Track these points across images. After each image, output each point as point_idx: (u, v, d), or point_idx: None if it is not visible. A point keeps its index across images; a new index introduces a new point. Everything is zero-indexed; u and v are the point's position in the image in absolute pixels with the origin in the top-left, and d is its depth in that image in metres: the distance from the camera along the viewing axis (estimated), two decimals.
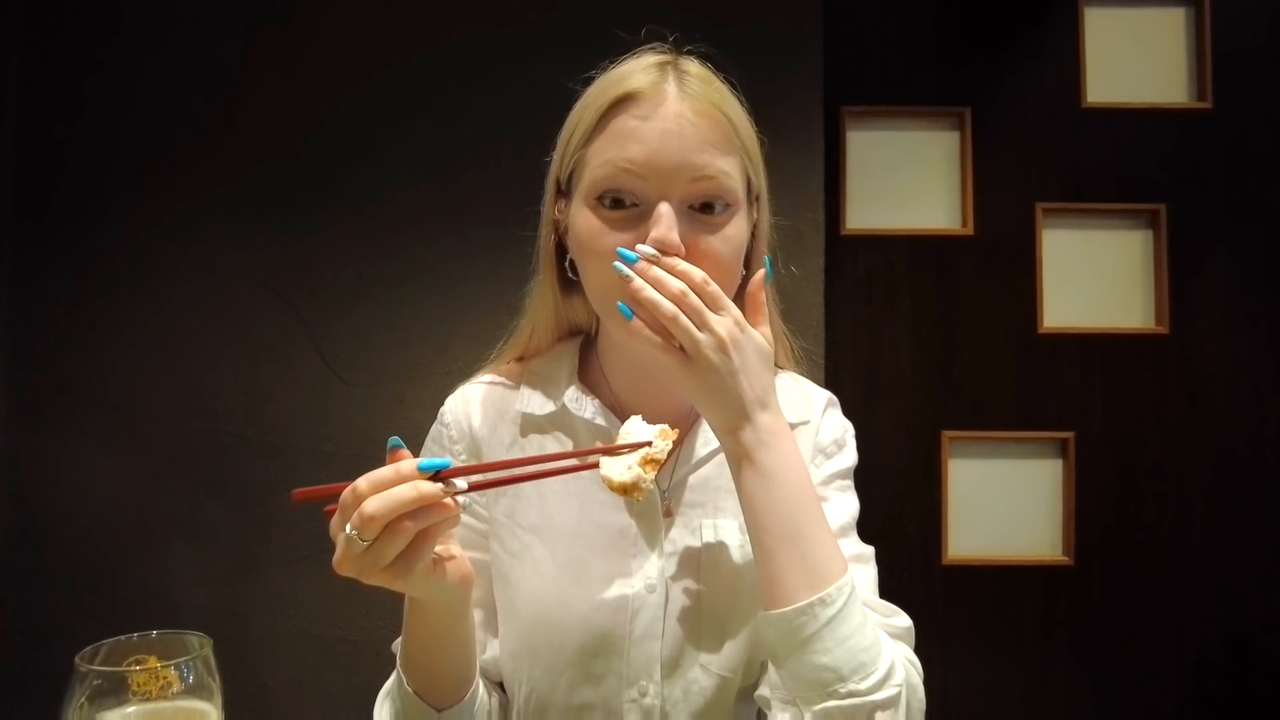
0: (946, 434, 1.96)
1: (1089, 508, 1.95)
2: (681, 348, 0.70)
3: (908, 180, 2.00)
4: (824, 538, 0.70)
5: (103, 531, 1.83)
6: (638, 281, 0.70)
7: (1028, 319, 1.97)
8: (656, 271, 0.70)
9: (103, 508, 1.83)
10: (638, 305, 0.71)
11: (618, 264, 0.71)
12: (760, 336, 0.73)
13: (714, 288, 0.71)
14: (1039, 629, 1.95)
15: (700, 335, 0.69)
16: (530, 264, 0.88)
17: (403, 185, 1.86)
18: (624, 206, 0.75)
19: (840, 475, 0.87)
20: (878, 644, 0.69)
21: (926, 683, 0.82)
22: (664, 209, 0.73)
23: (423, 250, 1.85)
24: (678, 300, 0.70)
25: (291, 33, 1.86)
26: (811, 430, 0.87)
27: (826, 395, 0.92)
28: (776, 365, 0.90)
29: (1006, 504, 1.97)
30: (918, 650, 0.85)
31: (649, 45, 0.80)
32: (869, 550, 0.84)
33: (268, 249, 1.85)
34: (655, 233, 0.72)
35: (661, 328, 0.70)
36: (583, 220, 0.76)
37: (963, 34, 1.99)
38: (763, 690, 0.77)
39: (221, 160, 1.86)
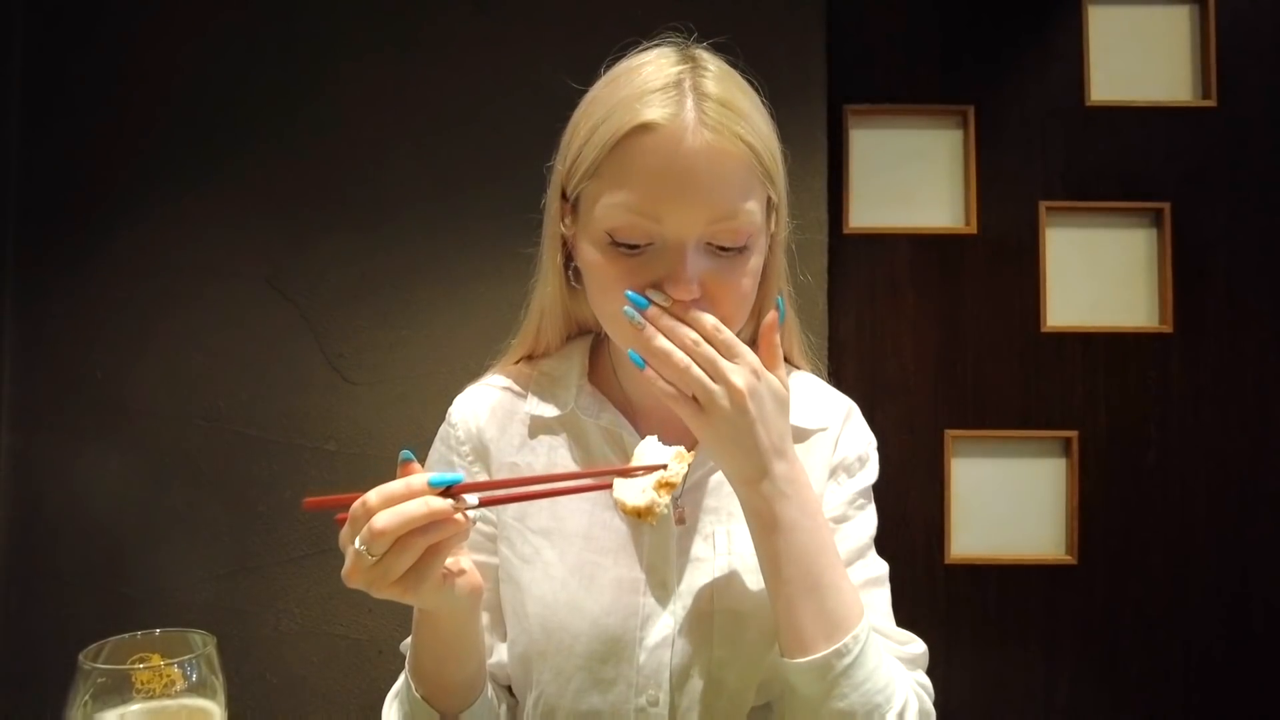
0: (950, 433, 1.95)
1: (1092, 507, 1.95)
2: (695, 398, 0.68)
3: (911, 179, 1.99)
4: (841, 585, 0.70)
5: (107, 530, 1.83)
6: (649, 330, 0.68)
7: (1031, 317, 1.96)
8: (668, 320, 0.68)
9: (106, 506, 1.83)
10: (649, 354, 0.69)
11: (627, 309, 0.69)
12: (776, 382, 0.71)
13: (726, 335, 0.68)
14: (1042, 628, 1.95)
15: (714, 387, 0.67)
16: (533, 267, 0.85)
17: (406, 184, 1.86)
18: (636, 244, 0.71)
19: (863, 494, 0.85)
20: (892, 682, 0.70)
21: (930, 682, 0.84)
22: (681, 254, 0.70)
23: (426, 249, 1.85)
24: (690, 350, 0.67)
25: (295, 32, 1.86)
26: (829, 440, 0.85)
27: (847, 404, 0.89)
28: (791, 363, 0.89)
29: (1010, 503, 1.96)
30: None
31: (660, 41, 0.77)
32: (884, 570, 0.84)
33: (271, 248, 1.85)
34: (672, 287, 0.70)
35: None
36: (592, 258, 0.74)
37: (966, 32, 1.98)
38: None
39: (225, 160, 1.86)
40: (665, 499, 0.66)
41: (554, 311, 0.85)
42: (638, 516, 0.66)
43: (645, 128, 0.70)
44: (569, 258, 0.81)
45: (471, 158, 1.85)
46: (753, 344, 0.88)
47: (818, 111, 1.87)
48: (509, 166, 1.81)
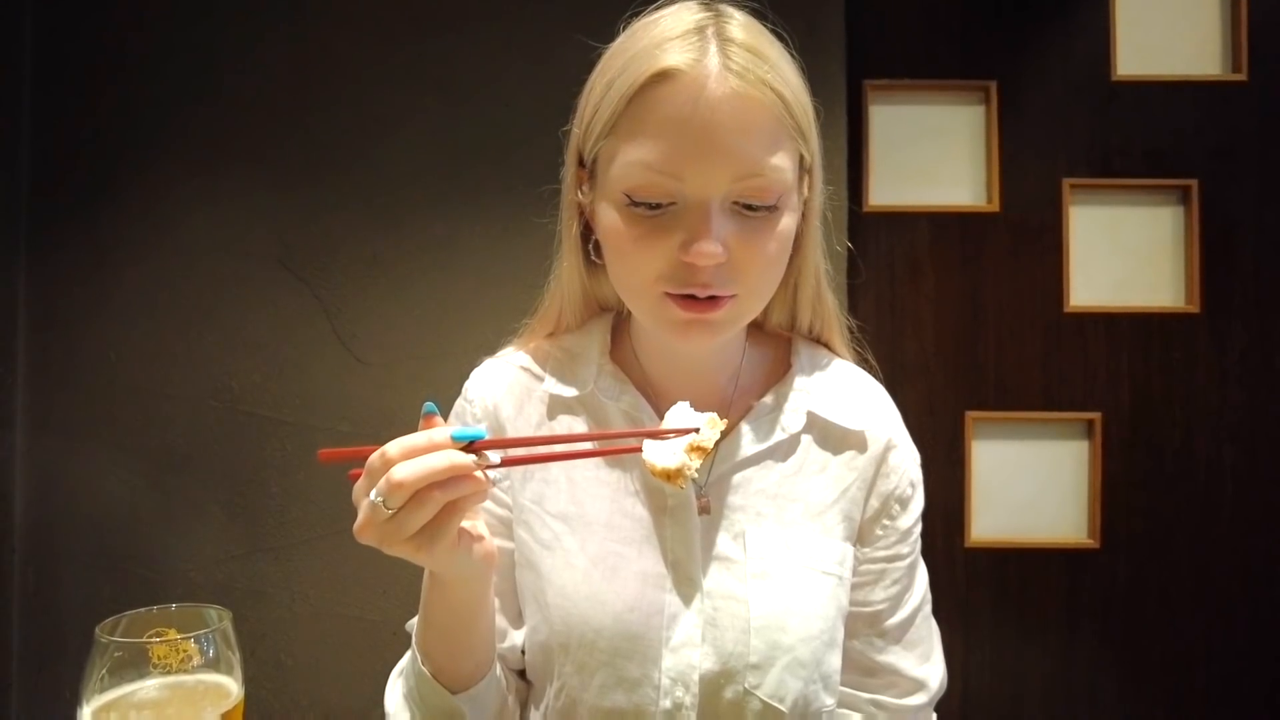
0: (970, 414, 1.93)
1: (1115, 490, 1.92)
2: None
3: (932, 156, 1.96)
4: None
5: (121, 511, 1.83)
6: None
7: (1054, 297, 1.93)
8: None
9: (120, 487, 1.83)
10: None
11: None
12: None
13: None
14: (1063, 613, 1.93)
15: None
16: (551, 241, 0.82)
17: (418, 162, 1.83)
18: (656, 204, 0.67)
19: (917, 522, 0.82)
20: None
21: (948, 668, 0.84)
22: (705, 212, 0.65)
23: (439, 227, 1.83)
24: None
25: (306, 10, 1.84)
26: (870, 460, 0.79)
27: (892, 414, 0.83)
28: (831, 349, 0.85)
29: (1031, 486, 1.94)
30: (941, 636, 0.84)
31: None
32: (934, 630, 0.84)
33: (283, 227, 1.84)
34: (694, 251, 0.65)
35: None
36: (609, 220, 0.69)
37: (988, 5, 1.94)
38: None
39: (236, 138, 1.84)
40: (696, 463, 0.63)
41: (573, 293, 0.81)
42: (667, 479, 0.63)
43: (664, 75, 0.65)
44: (588, 232, 0.77)
45: (485, 134, 1.82)
46: (790, 324, 0.85)
47: (837, 87, 1.84)
48: (524, 143, 1.78)
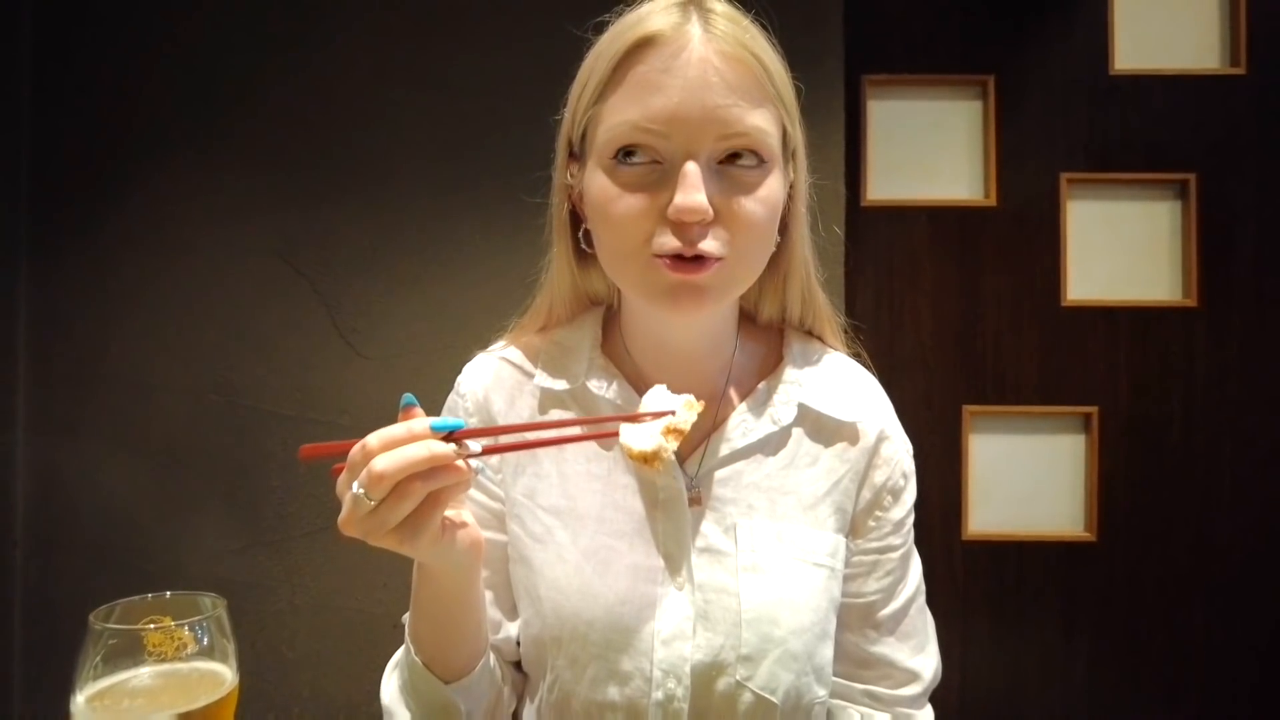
0: (968, 408, 1.93)
1: (1113, 484, 1.92)
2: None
3: (930, 150, 1.96)
4: None
5: (121, 505, 1.84)
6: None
7: (1052, 292, 1.93)
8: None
9: (121, 481, 1.84)
10: None
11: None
12: None
13: None
14: (1060, 607, 1.93)
15: None
16: (544, 233, 0.83)
17: (418, 156, 1.84)
18: (643, 162, 0.68)
19: (910, 513, 0.82)
20: None
21: (946, 661, 0.84)
22: (690, 169, 0.66)
23: (439, 222, 1.84)
24: None
25: (304, 5, 1.84)
26: (862, 452, 0.80)
27: (884, 406, 0.83)
28: (823, 342, 0.85)
29: (1029, 479, 1.94)
30: (938, 629, 0.85)
31: None
32: (929, 622, 0.84)
33: (284, 222, 1.84)
34: (680, 197, 0.66)
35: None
36: (598, 184, 0.70)
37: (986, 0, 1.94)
38: None
39: (235, 134, 1.84)
40: (673, 445, 0.63)
41: (563, 283, 0.82)
42: (644, 462, 0.63)
43: (649, 39, 0.68)
44: (577, 223, 0.77)
45: (485, 129, 1.83)
46: (781, 316, 0.85)
47: (835, 82, 1.84)
48: (522, 136, 1.78)
